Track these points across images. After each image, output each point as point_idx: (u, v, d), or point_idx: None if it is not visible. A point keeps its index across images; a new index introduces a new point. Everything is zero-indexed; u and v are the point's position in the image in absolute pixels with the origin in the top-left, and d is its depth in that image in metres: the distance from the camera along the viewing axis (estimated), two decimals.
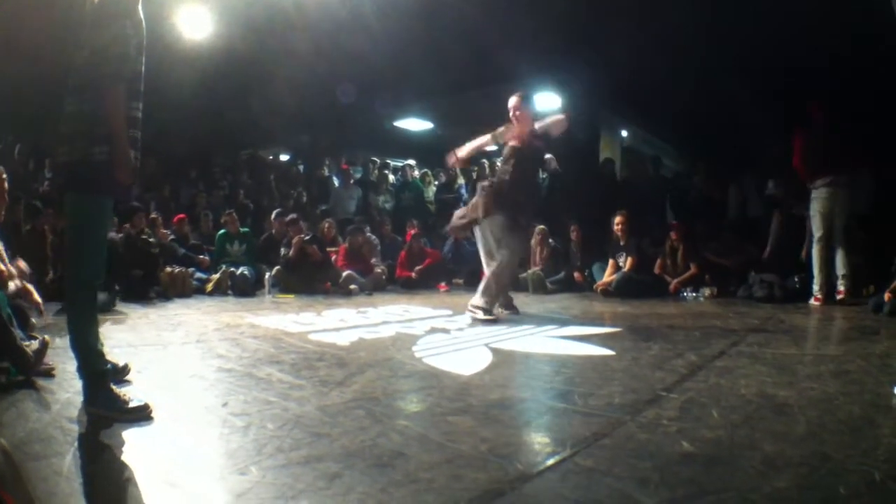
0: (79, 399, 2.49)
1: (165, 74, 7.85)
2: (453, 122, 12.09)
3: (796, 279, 7.08)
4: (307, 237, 8.58)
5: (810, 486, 1.65)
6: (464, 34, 8.99)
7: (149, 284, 7.36)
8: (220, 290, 8.09)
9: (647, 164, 10.13)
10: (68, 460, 1.89)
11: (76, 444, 2.07)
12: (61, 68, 2.74)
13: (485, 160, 11.28)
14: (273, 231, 9.26)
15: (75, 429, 2.24)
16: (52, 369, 2.97)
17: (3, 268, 3.58)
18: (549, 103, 12.15)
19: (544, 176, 10.57)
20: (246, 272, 8.23)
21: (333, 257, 8.93)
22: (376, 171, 12.75)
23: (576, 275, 8.76)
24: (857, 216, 7.48)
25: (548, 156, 6.11)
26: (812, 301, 6.55)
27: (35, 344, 2.95)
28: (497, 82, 11.61)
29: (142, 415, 2.33)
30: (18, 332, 2.97)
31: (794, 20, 7.66)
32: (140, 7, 2.57)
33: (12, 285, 3.57)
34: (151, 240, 7.63)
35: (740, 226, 8.32)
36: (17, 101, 9.44)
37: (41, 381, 2.85)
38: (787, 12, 7.52)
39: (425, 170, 12.66)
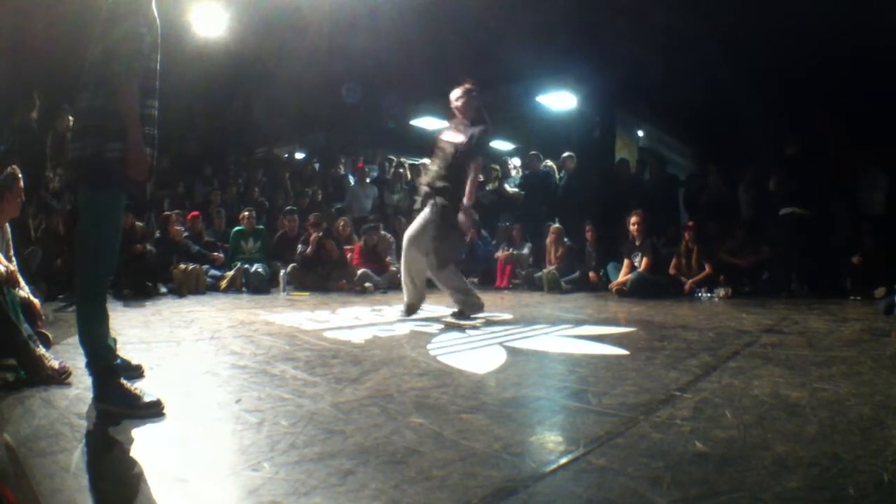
0: (88, 395, 2.47)
1: (178, 73, 7.92)
2: None
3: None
4: (321, 233, 8.64)
5: (820, 487, 1.65)
6: (478, 32, 8.99)
7: (156, 281, 7.47)
8: (234, 287, 8.15)
9: (656, 163, 10.10)
10: (76, 457, 1.87)
11: (84, 440, 2.05)
12: (69, 66, 2.77)
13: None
14: (286, 229, 9.31)
15: (84, 425, 2.23)
16: (68, 375, 2.82)
17: (12, 268, 3.56)
18: (564, 102, 12.13)
19: (561, 174, 10.57)
20: (260, 269, 8.28)
21: (349, 255, 8.98)
22: (392, 170, 12.65)
23: (591, 274, 8.76)
24: (870, 217, 7.46)
25: None
26: None
27: (43, 349, 2.91)
28: (512, 81, 11.63)
29: (154, 411, 2.31)
30: (27, 328, 2.93)
31: (804, 20, 7.63)
32: (154, 5, 2.58)
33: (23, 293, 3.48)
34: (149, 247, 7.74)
35: (754, 225, 8.27)
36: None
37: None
38: (799, 11, 7.49)
39: None
